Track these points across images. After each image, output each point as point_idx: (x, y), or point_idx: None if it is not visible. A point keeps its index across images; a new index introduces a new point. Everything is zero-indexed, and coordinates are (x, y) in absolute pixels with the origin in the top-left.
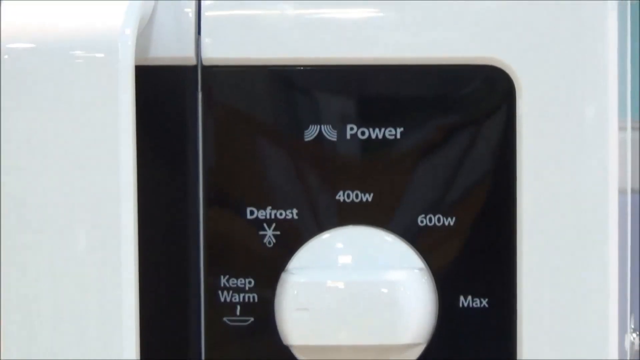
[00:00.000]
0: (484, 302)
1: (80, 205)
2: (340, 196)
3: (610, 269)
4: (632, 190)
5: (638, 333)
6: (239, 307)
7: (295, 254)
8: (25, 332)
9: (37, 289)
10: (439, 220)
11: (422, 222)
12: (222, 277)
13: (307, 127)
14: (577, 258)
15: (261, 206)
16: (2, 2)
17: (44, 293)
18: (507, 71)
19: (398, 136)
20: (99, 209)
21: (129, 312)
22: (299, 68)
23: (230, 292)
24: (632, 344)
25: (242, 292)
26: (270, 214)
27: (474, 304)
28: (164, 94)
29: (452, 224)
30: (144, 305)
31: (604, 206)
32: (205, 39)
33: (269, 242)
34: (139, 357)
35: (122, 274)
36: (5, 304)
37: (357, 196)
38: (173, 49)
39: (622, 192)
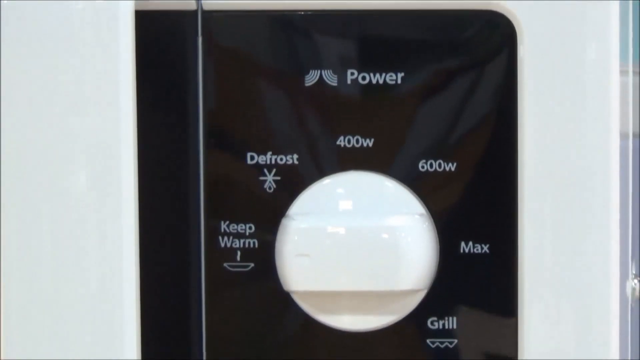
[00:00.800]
0: (485, 248)
1: (81, 149)
2: (341, 141)
3: (612, 213)
4: (634, 135)
5: (639, 279)
6: (239, 253)
7: (295, 200)
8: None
9: (38, 225)
10: (439, 165)
11: (422, 167)
12: (222, 222)
13: (307, 72)
14: (578, 202)
15: (261, 151)
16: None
17: (45, 228)
18: (508, 16)
19: (399, 81)
20: (100, 152)
21: (129, 255)
22: (299, 13)
23: (231, 237)
24: (634, 289)
25: (242, 238)
26: (271, 160)
27: (475, 250)
28: (164, 39)
29: (453, 169)
30: (144, 250)
31: (605, 150)
32: None
33: (270, 188)
34: (138, 299)
35: (122, 217)
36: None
37: (357, 141)
38: None
39: (623, 136)
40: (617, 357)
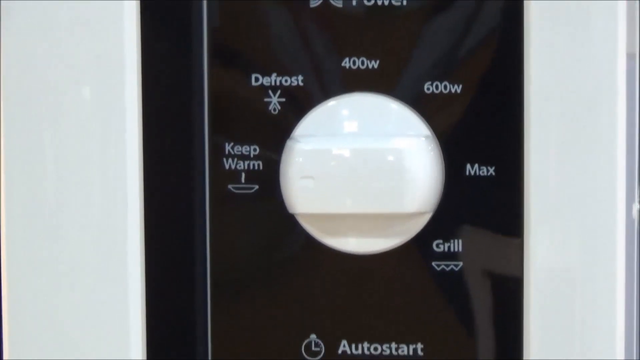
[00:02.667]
0: (491, 170)
1: (83, 66)
2: (346, 63)
3: (618, 134)
4: None
5: None
6: (243, 175)
7: (300, 121)
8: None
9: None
10: (445, 87)
11: (428, 89)
12: (226, 144)
13: None
14: (584, 124)
15: (266, 73)
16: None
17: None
18: None
19: (404, 2)
20: (102, 66)
21: (132, 170)
22: None
23: (235, 159)
24: None
25: (246, 160)
26: (276, 81)
27: (481, 172)
28: None
29: (458, 91)
30: (147, 175)
31: (611, 71)
32: None
33: (274, 109)
34: (142, 214)
35: (127, 127)
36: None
37: (363, 63)
38: None
39: (630, 57)
40: (623, 278)
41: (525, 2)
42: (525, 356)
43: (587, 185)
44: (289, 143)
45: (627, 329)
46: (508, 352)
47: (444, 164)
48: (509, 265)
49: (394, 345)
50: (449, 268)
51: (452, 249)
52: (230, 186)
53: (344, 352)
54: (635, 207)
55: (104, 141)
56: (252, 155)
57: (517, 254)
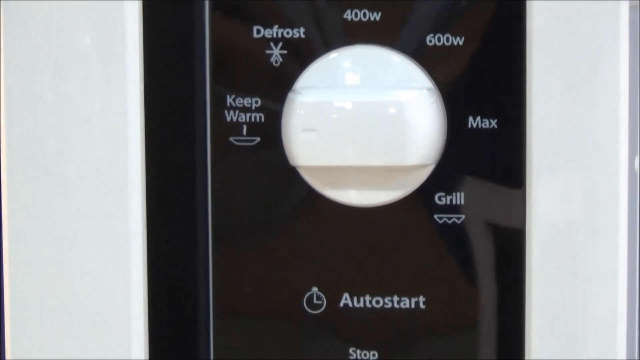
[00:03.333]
0: (493, 123)
1: (82, 12)
2: (348, 15)
3: (621, 86)
4: None
5: None
6: (245, 127)
7: (302, 74)
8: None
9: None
10: (447, 39)
11: (430, 41)
12: (227, 96)
13: None
14: (587, 75)
15: (267, 25)
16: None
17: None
18: None
19: None
20: (103, 16)
21: (134, 123)
22: None
23: (237, 111)
24: None
25: (248, 112)
26: (277, 33)
27: (483, 125)
28: None
29: (460, 43)
30: (149, 122)
31: (614, 20)
32: None
33: (276, 62)
34: (143, 166)
35: (128, 79)
36: None
37: (365, 15)
38: None
39: (633, 9)
40: (625, 229)
41: None
42: (526, 306)
43: (589, 137)
44: (291, 95)
45: (629, 275)
46: (509, 303)
47: (446, 117)
48: (511, 217)
49: (395, 298)
50: (451, 221)
51: (454, 202)
52: (231, 139)
53: (346, 305)
54: (638, 159)
55: (104, 94)
56: (253, 108)
57: (519, 206)
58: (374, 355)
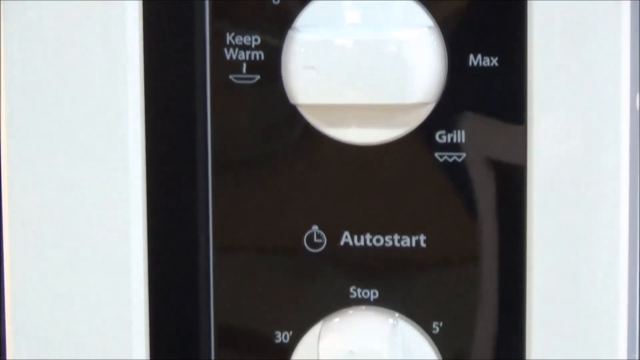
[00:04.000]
0: (494, 61)
1: None
2: None
3: (623, 21)
4: None
5: None
6: (244, 65)
7: (302, 11)
8: None
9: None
10: None
11: None
12: (227, 34)
13: None
14: (588, 12)
15: None
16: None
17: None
18: None
19: None
20: None
21: (133, 60)
22: None
23: (236, 49)
24: None
25: (247, 50)
26: None
27: (484, 63)
28: None
29: None
30: (148, 60)
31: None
32: None
33: None
34: (143, 107)
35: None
36: None
37: None
38: None
39: None
40: (627, 163)
41: None
42: (528, 244)
43: (591, 74)
44: (291, 33)
45: (630, 215)
46: (511, 241)
47: (447, 55)
48: (512, 155)
49: (396, 236)
50: (452, 159)
51: (455, 140)
52: (231, 76)
53: (346, 243)
54: (639, 96)
55: (103, 39)
56: (253, 46)
57: (521, 143)
58: (374, 293)
